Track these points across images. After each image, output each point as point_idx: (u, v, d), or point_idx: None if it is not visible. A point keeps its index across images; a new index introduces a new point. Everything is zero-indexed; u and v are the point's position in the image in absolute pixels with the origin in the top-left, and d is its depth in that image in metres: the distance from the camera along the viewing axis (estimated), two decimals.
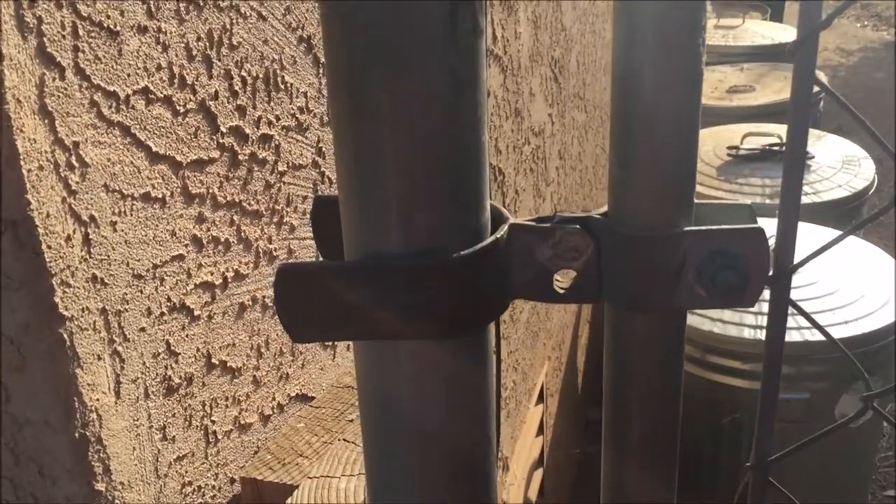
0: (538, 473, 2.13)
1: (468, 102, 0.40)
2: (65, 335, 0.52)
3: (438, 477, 0.52)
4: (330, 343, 0.87)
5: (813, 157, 2.75)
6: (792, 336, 1.99)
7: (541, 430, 2.15)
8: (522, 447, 1.94)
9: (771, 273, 0.50)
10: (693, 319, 2.12)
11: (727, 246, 0.49)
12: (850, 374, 2.08)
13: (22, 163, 0.48)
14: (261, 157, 0.72)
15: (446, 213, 0.45)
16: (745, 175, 2.70)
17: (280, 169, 0.75)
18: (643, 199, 0.49)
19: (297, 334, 0.49)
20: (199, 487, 0.66)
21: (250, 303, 0.72)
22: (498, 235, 0.49)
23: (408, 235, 0.47)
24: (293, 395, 0.80)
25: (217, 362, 0.68)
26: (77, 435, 0.53)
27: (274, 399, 0.77)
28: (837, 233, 2.43)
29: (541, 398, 2.14)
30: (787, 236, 0.50)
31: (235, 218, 0.69)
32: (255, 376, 0.73)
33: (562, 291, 0.52)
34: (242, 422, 0.72)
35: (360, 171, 0.42)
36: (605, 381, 0.56)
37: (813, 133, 2.97)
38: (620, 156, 0.48)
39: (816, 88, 0.47)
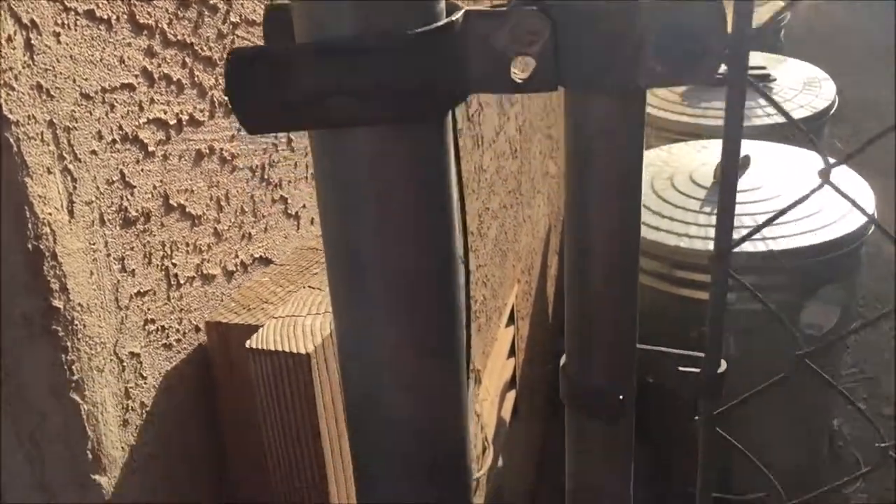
0: (511, 395, 2.15)
1: None
2: (11, 140, 0.50)
3: (404, 278, 0.51)
4: (293, 213, 0.86)
5: (775, 80, 2.76)
6: (756, 246, 2.02)
7: (512, 352, 2.16)
8: (494, 366, 1.95)
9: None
10: (659, 235, 2.13)
11: (685, 20, 0.48)
12: (814, 283, 2.12)
13: None
14: (211, 2, 0.70)
15: None
16: (707, 100, 2.72)
17: (232, 20, 0.74)
18: None
19: (251, 125, 0.48)
20: (163, 328, 0.65)
21: (207, 152, 0.71)
22: (453, 18, 0.48)
23: (360, 19, 0.46)
24: (257, 256, 0.79)
25: (175, 204, 0.67)
26: (30, 247, 0.52)
27: (237, 256, 0.76)
28: (800, 150, 2.45)
29: (511, 320, 2.15)
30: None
31: (188, 60, 0.68)
32: (216, 228, 0.72)
33: (520, 81, 0.52)
34: (205, 272, 0.71)
35: None
36: (564, 180, 0.56)
37: (775, 58, 2.99)
38: None
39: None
